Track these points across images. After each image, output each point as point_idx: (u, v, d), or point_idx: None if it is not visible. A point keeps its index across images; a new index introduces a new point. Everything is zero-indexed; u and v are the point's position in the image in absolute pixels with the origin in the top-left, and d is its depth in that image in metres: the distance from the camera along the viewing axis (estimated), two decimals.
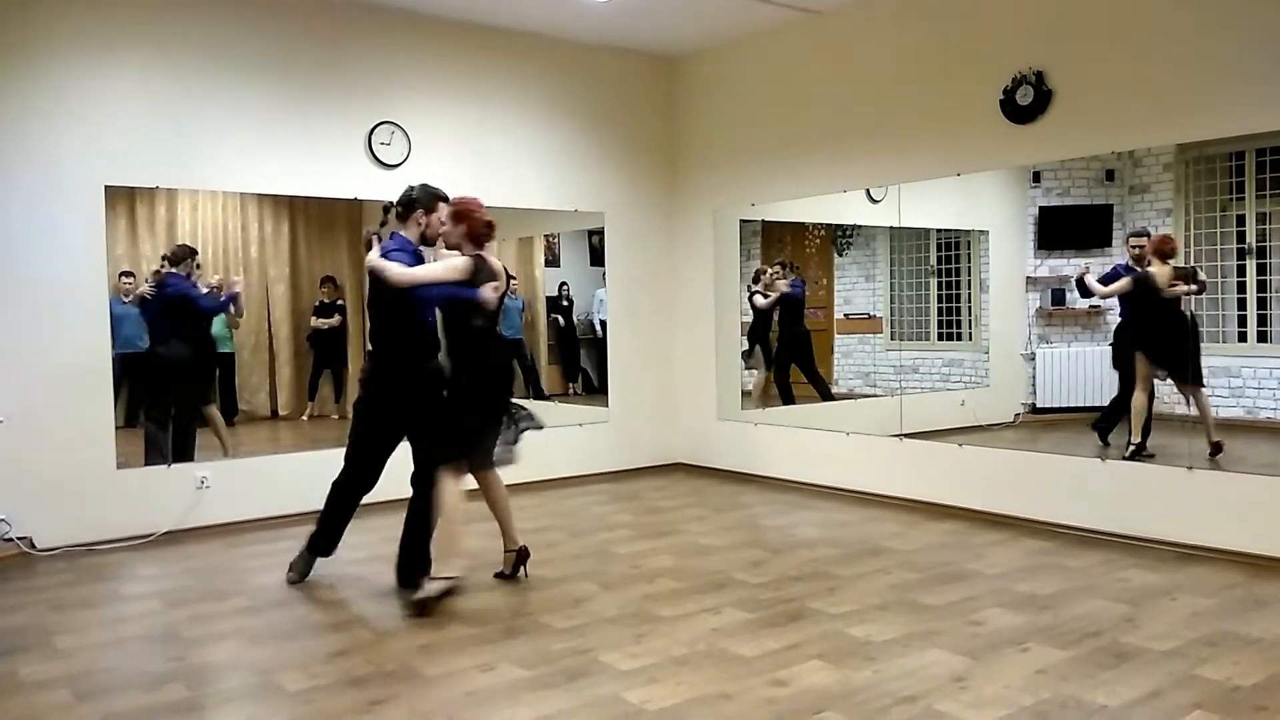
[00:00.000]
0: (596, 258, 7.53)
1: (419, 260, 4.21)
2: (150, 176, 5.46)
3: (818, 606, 3.97)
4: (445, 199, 4.32)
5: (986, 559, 4.68)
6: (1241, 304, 5.44)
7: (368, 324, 4.43)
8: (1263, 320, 5.41)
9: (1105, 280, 5.61)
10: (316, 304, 6.93)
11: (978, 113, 5.51)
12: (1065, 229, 6.12)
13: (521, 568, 4.47)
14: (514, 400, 4.39)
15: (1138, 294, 5.38)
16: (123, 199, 5.81)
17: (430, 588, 4.01)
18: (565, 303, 7.92)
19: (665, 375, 7.56)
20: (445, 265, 4.15)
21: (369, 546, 5.17)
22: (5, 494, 5.01)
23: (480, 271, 4.12)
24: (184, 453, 5.79)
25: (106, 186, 5.30)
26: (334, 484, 4.45)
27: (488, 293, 4.10)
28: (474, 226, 4.20)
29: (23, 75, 5.08)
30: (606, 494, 6.54)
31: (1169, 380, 5.37)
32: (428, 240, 4.31)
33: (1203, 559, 4.58)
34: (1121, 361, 5.61)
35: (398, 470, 6.26)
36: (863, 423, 6.39)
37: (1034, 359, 6.22)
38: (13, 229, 5.07)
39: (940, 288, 6.84)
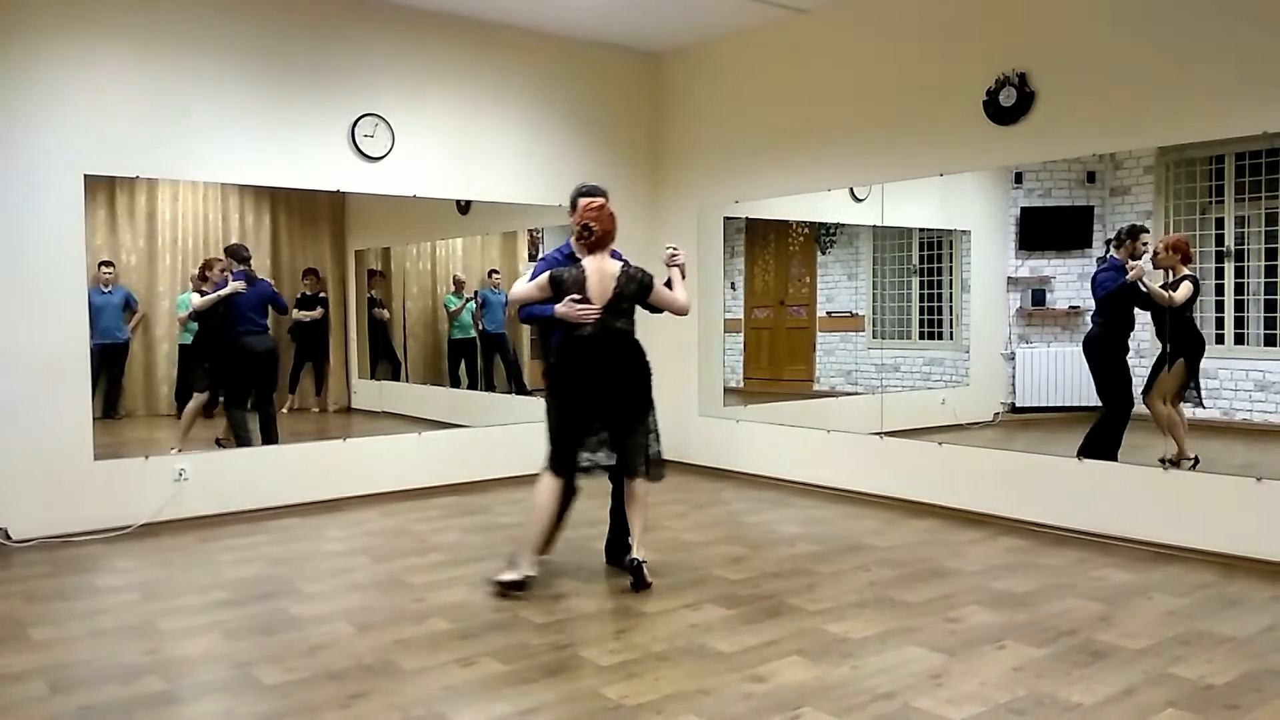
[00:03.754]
0: None
1: (567, 262, 4.25)
2: (130, 166, 5.41)
3: (797, 603, 3.99)
4: (587, 194, 4.28)
5: (964, 557, 4.71)
6: (1219, 306, 5.49)
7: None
8: (1240, 323, 5.45)
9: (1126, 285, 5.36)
10: (298, 296, 6.89)
11: (961, 113, 5.54)
12: (1046, 230, 6.16)
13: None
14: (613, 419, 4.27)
15: (1192, 298, 5.24)
16: (102, 189, 5.77)
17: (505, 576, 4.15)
18: None
19: None
20: (534, 282, 4.20)
21: (350, 540, 5.16)
22: None
23: (560, 283, 4.12)
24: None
25: (86, 176, 5.25)
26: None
27: (562, 307, 4.10)
28: (577, 230, 4.19)
29: (2, 62, 5.03)
30: (587, 489, 6.49)
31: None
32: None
33: (1177, 558, 4.63)
34: (1099, 372, 5.52)
35: (376, 463, 6.25)
36: (844, 420, 6.41)
37: (1014, 359, 6.26)
38: None
39: (922, 287, 6.88)
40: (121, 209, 6.07)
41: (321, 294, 6.93)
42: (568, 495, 4.45)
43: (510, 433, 6.81)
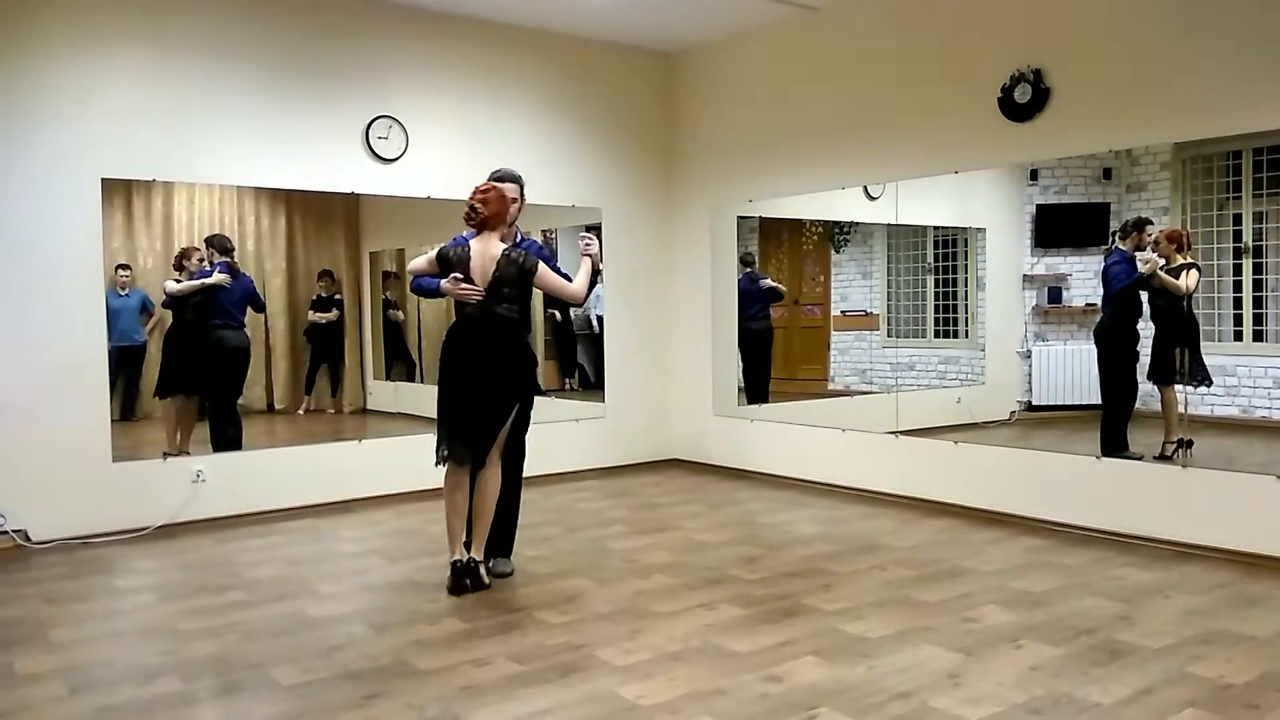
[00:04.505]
0: None
1: (459, 244, 4.29)
2: (147, 169, 5.45)
3: (813, 603, 3.98)
4: (496, 179, 4.35)
5: (982, 556, 4.69)
6: (1238, 303, 5.44)
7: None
8: (1259, 319, 5.40)
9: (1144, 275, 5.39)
10: (314, 298, 6.92)
11: (976, 110, 5.51)
12: (1062, 227, 6.12)
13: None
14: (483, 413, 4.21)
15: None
16: (119, 192, 5.80)
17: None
18: None
19: (661, 371, 7.56)
20: (425, 256, 4.28)
21: (365, 540, 5.18)
22: (1, 486, 5.01)
23: (446, 260, 4.18)
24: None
25: (103, 179, 5.29)
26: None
27: (445, 283, 4.16)
28: (466, 210, 4.21)
29: (20, 67, 5.07)
30: (602, 489, 6.55)
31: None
32: None
33: (1196, 557, 4.59)
34: (1109, 361, 5.56)
35: (392, 464, 6.26)
36: (859, 420, 6.39)
37: (1030, 357, 6.22)
38: (9, 221, 5.06)
39: (937, 285, 6.84)
40: (138, 212, 6.11)
41: (337, 296, 6.95)
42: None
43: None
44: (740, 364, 7.32)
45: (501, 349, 4.17)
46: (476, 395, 4.16)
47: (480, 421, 4.19)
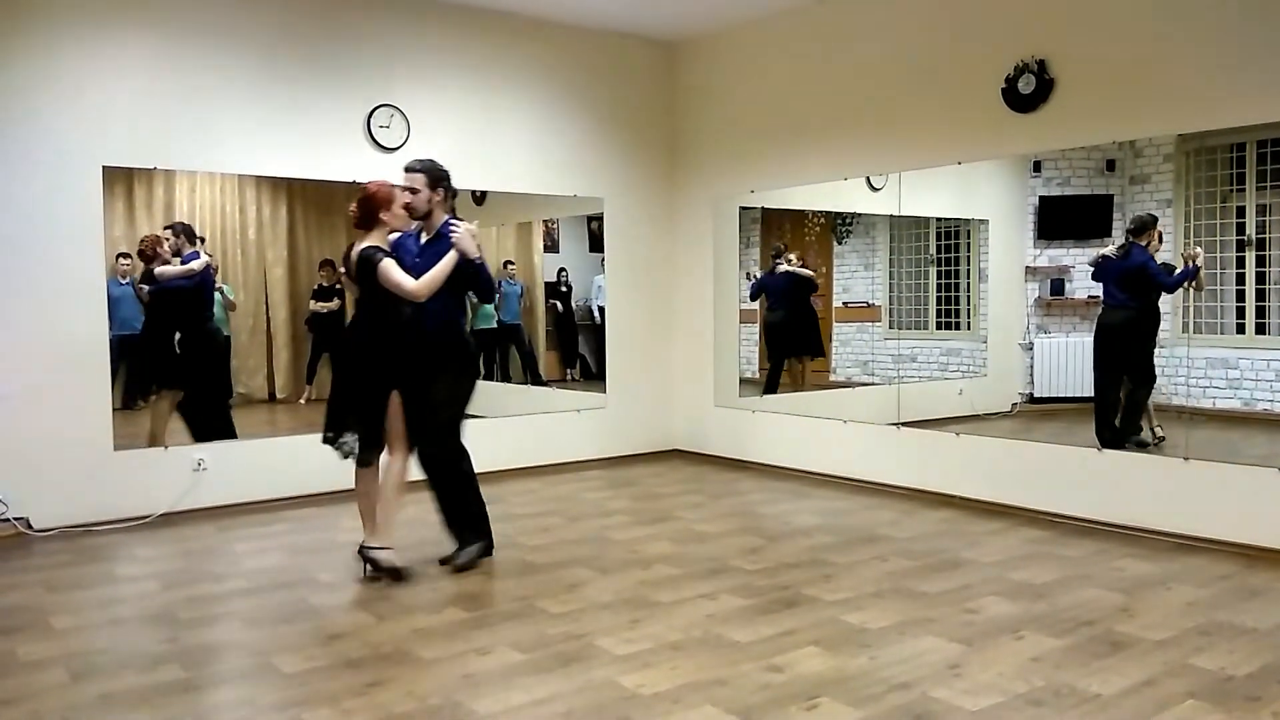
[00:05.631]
0: (596, 244, 7.51)
1: (414, 242, 4.43)
2: (148, 157, 5.44)
3: (814, 593, 3.98)
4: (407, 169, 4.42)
5: (982, 547, 4.69)
6: (1240, 295, 5.44)
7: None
8: (1261, 312, 5.40)
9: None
10: (315, 288, 6.91)
11: (979, 101, 5.50)
12: (1065, 219, 6.11)
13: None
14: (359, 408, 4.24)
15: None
16: (121, 180, 5.79)
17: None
18: (564, 288, 7.91)
19: (663, 362, 7.56)
20: None
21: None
22: (2, 474, 5.01)
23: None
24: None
25: (104, 167, 5.29)
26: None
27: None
28: None
29: (20, 54, 5.06)
30: (603, 480, 6.55)
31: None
32: None
33: (1198, 549, 4.59)
34: (1134, 355, 5.58)
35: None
36: (860, 411, 6.39)
37: (1032, 349, 6.21)
38: (10, 209, 5.06)
39: (939, 277, 6.83)
40: (140, 200, 6.09)
41: (338, 285, 6.94)
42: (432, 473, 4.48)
43: (525, 423, 6.84)
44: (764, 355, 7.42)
45: (360, 341, 4.24)
46: (341, 384, 4.27)
47: (351, 411, 4.24)
